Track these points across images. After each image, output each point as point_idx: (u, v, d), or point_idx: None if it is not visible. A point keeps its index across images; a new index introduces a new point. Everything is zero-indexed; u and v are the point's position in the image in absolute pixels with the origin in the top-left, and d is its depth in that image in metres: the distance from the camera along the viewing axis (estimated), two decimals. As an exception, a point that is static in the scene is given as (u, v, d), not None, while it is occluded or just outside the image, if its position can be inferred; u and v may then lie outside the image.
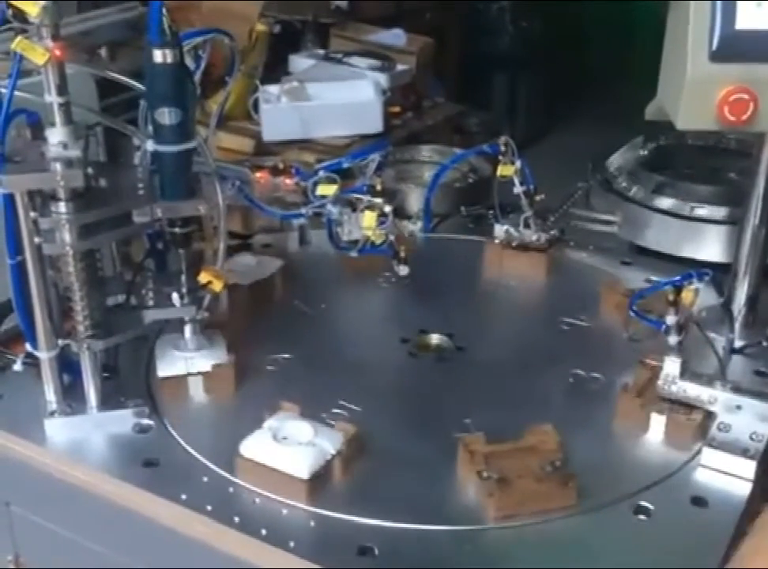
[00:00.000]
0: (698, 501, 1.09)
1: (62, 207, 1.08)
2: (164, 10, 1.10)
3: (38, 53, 1.05)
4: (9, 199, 1.08)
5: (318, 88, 2.48)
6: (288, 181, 1.46)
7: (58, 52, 1.06)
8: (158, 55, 1.10)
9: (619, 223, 1.69)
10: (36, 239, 1.09)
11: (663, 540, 1.04)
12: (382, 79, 2.61)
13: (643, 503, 1.08)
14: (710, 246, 1.62)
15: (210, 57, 1.32)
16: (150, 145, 1.14)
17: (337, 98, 2.48)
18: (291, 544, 1.01)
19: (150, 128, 1.16)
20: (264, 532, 1.03)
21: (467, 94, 3.93)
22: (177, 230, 1.19)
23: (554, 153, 4.06)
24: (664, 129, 1.50)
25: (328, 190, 1.41)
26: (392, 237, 1.44)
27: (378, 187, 1.41)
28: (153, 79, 1.12)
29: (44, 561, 1.25)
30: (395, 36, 3.06)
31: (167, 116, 1.12)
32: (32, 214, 1.08)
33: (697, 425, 1.17)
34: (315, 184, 1.43)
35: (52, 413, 1.19)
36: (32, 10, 1.03)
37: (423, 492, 1.09)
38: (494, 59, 4.70)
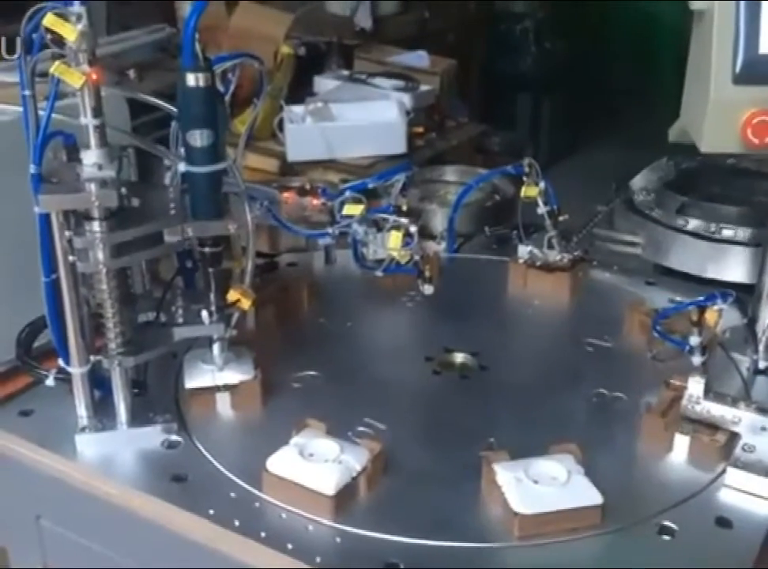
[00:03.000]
0: (723, 522, 1.09)
1: (95, 226, 1.11)
2: (197, 35, 1.13)
3: (75, 77, 1.08)
4: (45, 219, 1.11)
5: (343, 109, 2.51)
6: (314, 201, 1.49)
7: (94, 76, 1.09)
8: (190, 79, 1.12)
9: (643, 244, 1.70)
10: (71, 258, 1.12)
11: (687, 561, 1.04)
12: (406, 99, 2.64)
13: (667, 523, 1.08)
14: (734, 268, 1.62)
15: (237, 78, 1.35)
16: (182, 166, 1.17)
17: (361, 118, 2.51)
18: (318, 559, 1.02)
19: (182, 150, 1.18)
20: (290, 547, 1.04)
21: (490, 114, 3.96)
22: (207, 249, 1.21)
23: (577, 173, 4.07)
24: (687, 150, 1.51)
25: (354, 210, 1.43)
26: (417, 257, 1.46)
27: (404, 208, 1.44)
28: (186, 102, 1.15)
29: (73, 574, 1.26)
30: (419, 58, 3.09)
31: (198, 138, 1.14)
32: (67, 233, 1.11)
33: (721, 446, 1.17)
34: (341, 204, 1.45)
35: (83, 429, 1.21)
36: (70, 35, 1.06)
37: (447, 509, 1.10)
38: (517, 79, 4.74)
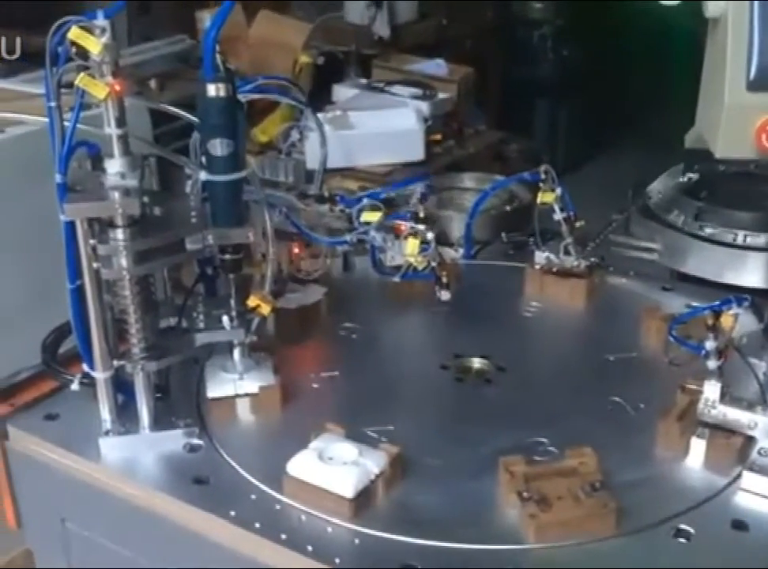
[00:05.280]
0: (739, 525, 1.09)
1: (119, 234, 1.13)
2: (217, 46, 1.15)
3: (99, 88, 1.10)
4: (71, 227, 1.14)
5: (361, 117, 2.53)
6: (332, 208, 1.51)
7: (117, 87, 1.12)
8: (211, 89, 1.15)
9: (660, 250, 1.71)
10: (95, 265, 1.14)
11: (703, 564, 1.05)
12: (424, 107, 2.66)
13: (683, 527, 1.09)
14: (752, 273, 1.62)
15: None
16: (203, 175, 1.19)
17: (379, 126, 2.53)
18: (337, 560, 1.04)
19: (203, 159, 1.21)
20: (310, 548, 1.06)
21: (508, 121, 3.97)
22: (227, 256, 1.23)
23: (595, 180, 4.07)
24: (704, 156, 1.52)
25: (372, 216, 1.45)
26: (434, 263, 1.47)
27: (421, 214, 1.45)
28: (206, 112, 1.17)
29: (97, 576, 1.29)
30: (436, 66, 3.12)
31: (219, 147, 1.17)
32: (91, 241, 1.13)
33: (737, 449, 1.18)
34: (360, 211, 1.47)
35: (107, 432, 1.23)
36: (94, 48, 1.09)
37: (464, 512, 1.12)
38: (535, 86, 4.75)
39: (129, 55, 2.77)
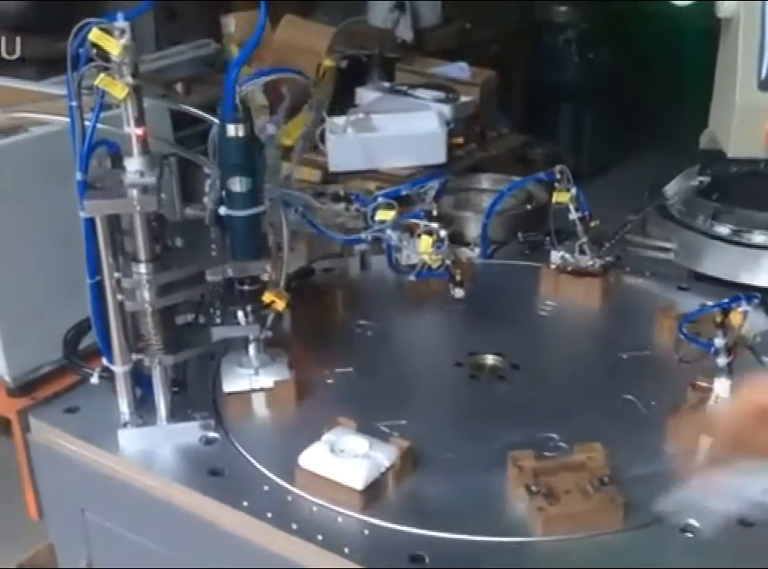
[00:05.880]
0: (745, 521, 1.10)
1: (142, 268, 1.17)
2: (237, 88, 1.19)
3: (118, 88, 1.13)
4: (90, 223, 1.17)
5: (383, 120, 2.55)
6: (348, 207, 1.53)
7: (137, 88, 1.15)
8: (231, 130, 1.19)
9: (675, 250, 1.71)
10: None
11: (708, 559, 1.06)
12: (446, 110, 2.67)
13: (690, 521, 1.10)
14: (767, 272, 1.63)
15: (276, 91, 1.40)
16: (222, 210, 1.23)
17: (401, 129, 2.54)
18: (346, 550, 1.06)
19: (223, 193, 1.23)
20: (320, 538, 1.08)
21: (533, 125, 3.97)
22: (246, 287, 1.26)
23: (621, 183, 4.05)
24: (719, 156, 1.52)
25: (386, 215, 1.47)
26: (448, 261, 1.49)
27: (435, 213, 1.47)
28: (226, 151, 1.21)
29: (115, 564, 1.32)
30: (459, 69, 3.12)
31: (238, 185, 1.21)
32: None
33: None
34: (374, 210, 1.49)
35: (125, 424, 1.26)
36: (114, 49, 1.12)
37: (473, 505, 1.14)
38: (560, 90, 4.74)
39: (155, 59, 2.82)
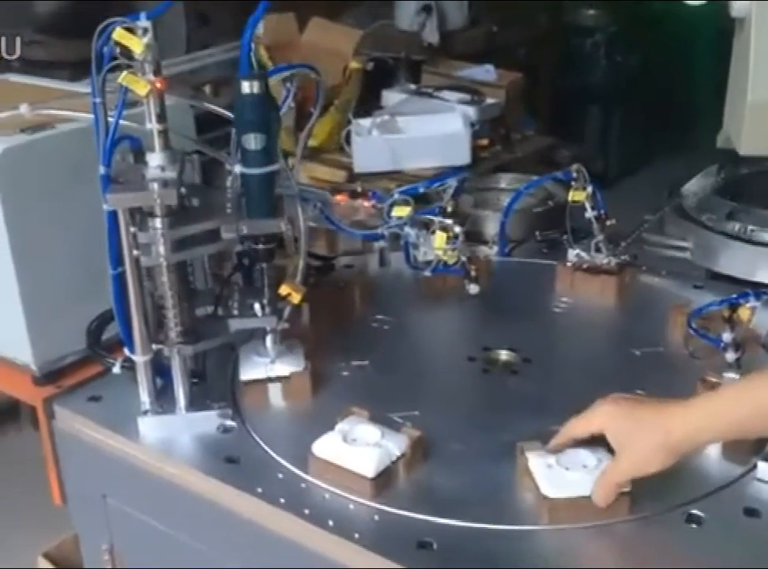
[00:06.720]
0: (751, 512, 1.11)
1: (158, 223, 1.20)
2: (252, 46, 1.22)
3: (141, 85, 1.17)
4: (113, 216, 1.21)
5: (408, 121, 2.57)
6: (365, 204, 1.56)
7: (158, 85, 1.18)
8: (245, 86, 1.21)
9: (692, 249, 1.72)
10: (135, 252, 1.21)
11: (714, 548, 1.07)
12: (471, 112, 2.69)
13: (695, 512, 1.11)
14: (783, 271, 1.63)
15: (305, 92, 1.43)
16: (237, 168, 1.25)
17: (426, 130, 2.57)
18: (356, 535, 1.09)
19: (238, 153, 1.27)
20: (331, 523, 1.11)
21: (560, 128, 3.97)
22: (260, 246, 1.29)
23: (649, 185, 4.04)
24: (735, 155, 1.53)
25: (402, 211, 1.50)
26: (464, 257, 1.51)
27: (450, 209, 1.49)
28: (241, 108, 1.23)
29: (135, 549, 1.36)
30: (486, 72, 3.14)
31: (252, 141, 1.23)
32: (132, 229, 1.20)
33: (754, 441, 1.19)
34: (391, 206, 1.52)
35: (145, 412, 1.30)
36: (137, 48, 1.16)
37: (481, 494, 1.16)
38: (588, 93, 4.74)
39: (185, 62, 2.87)
